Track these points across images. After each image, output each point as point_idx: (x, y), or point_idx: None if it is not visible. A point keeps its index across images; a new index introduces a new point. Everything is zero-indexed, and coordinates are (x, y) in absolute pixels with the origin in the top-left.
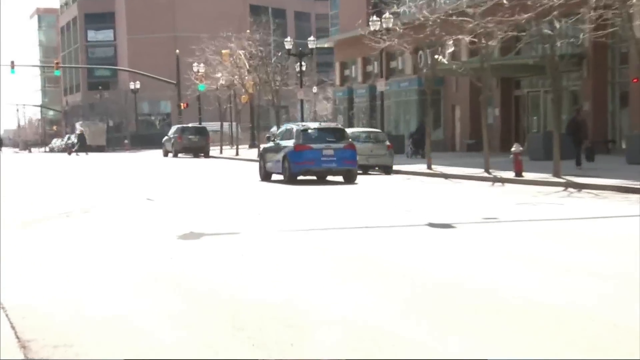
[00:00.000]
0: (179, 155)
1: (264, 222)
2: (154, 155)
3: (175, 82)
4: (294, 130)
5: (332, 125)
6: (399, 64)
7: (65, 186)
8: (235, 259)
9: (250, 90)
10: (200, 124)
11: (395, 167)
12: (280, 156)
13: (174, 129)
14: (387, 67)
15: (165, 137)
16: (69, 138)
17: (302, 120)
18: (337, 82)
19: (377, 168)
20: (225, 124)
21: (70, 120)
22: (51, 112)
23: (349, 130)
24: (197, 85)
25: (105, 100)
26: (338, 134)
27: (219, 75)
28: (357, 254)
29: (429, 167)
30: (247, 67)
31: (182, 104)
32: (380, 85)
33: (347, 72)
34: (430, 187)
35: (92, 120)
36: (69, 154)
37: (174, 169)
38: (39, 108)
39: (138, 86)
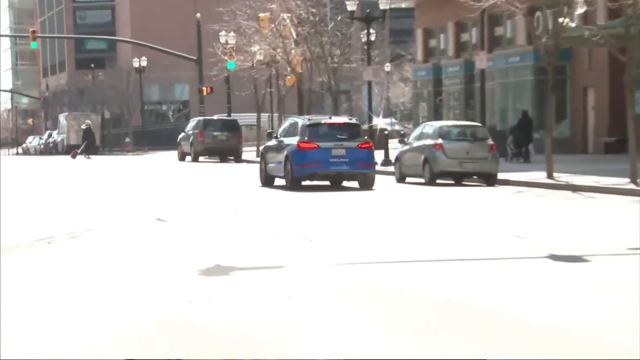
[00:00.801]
0: (201, 158)
1: (306, 251)
2: (167, 158)
3: (195, 58)
4: (299, 125)
5: (345, 119)
6: (507, 30)
7: (49, 200)
8: (280, 304)
9: (298, 68)
10: (229, 115)
11: (501, 176)
12: (282, 156)
13: (193, 122)
14: (491, 35)
15: (182, 135)
16: (50, 135)
17: (370, 110)
18: (419, 56)
19: (475, 177)
20: (264, 116)
21: (51, 111)
22: (25, 100)
23: (435, 124)
24: (225, 63)
25: (99, 84)
26: (352, 130)
27: (255, 48)
28: (451, 298)
29: (550, 176)
30: (294, 37)
31: (204, 89)
32: (481, 61)
33: (432, 42)
34: (550, 203)
35: (82, 112)
36: (73, 156)
37: (193, 178)
38: (9, 94)
39: (144, 64)
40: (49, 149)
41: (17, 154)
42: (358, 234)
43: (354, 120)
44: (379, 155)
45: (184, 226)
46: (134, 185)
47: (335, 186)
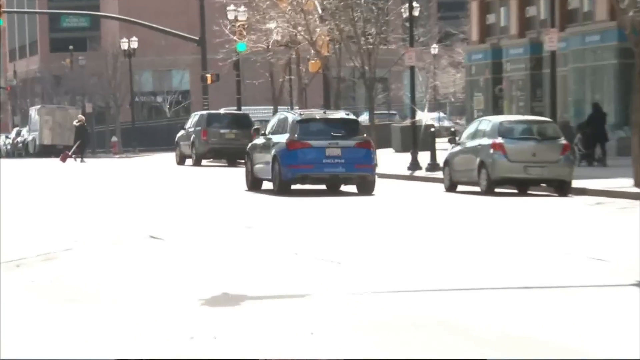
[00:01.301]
0: (204, 162)
1: (330, 275)
2: (162, 161)
3: (197, 38)
4: (289, 120)
5: (342, 114)
6: (583, 3)
7: (19, 214)
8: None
9: (323, 51)
10: (239, 109)
11: (575, 184)
12: (270, 157)
13: (195, 118)
14: (564, 9)
15: (181, 132)
16: (19, 133)
17: (413, 102)
18: (474, 36)
19: (543, 184)
20: (282, 108)
21: (20, 103)
22: None
23: (493, 120)
24: (234, 45)
25: (79, 70)
26: (349, 127)
27: (271, 26)
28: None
29: (638, 184)
30: (319, 12)
31: (208, 76)
32: (551, 41)
33: (491, 18)
34: (639, 218)
35: (58, 104)
36: (63, 159)
37: (194, 186)
38: None
39: (135, 46)
40: (18, 150)
41: None
42: (388, 254)
43: (351, 116)
44: (424, 158)
45: (180, 244)
46: (122, 195)
47: (332, 191)
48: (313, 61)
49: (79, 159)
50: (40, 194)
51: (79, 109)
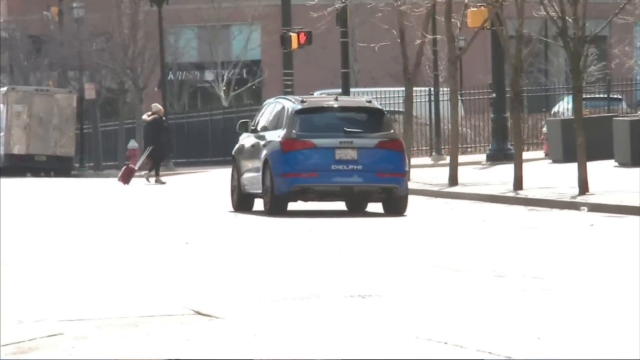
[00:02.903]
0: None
1: None
2: (210, 190)
3: None
4: (287, 110)
5: (361, 101)
6: None
7: None
8: None
9: None
10: (346, 92)
11: None
12: (260, 162)
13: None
14: None
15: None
16: None
17: None
18: None
19: None
20: (420, 92)
21: None
22: None
23: None
24: None
25: (73, 27)
26: (369, 120)
27: None
28: None
29: None
30: None
31: (293, 36)
32: None
33: None
34: None
35: (39, 87)
36: (126, 178)
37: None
38: None
39: None
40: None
41: None
42: None
43: (374, 104)
44: None
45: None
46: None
47: (354, 212)
48: (474, 9)
49: (152, 179)
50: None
51: (73, 94)
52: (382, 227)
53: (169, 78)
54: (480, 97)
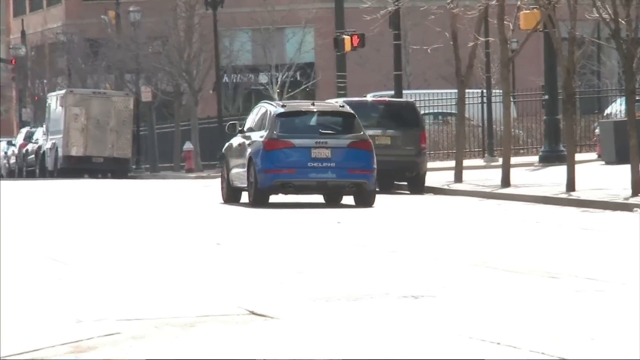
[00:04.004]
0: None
1: None
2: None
3: None
4: (269, 114)
5: (334, 106)
6: None
7: None
8: None
9: None
10: (398, 95)
11: None
12: (246, 159)
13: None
14: None
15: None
16: (29, 138)
17: None
18: None
19: None
20: (472, 94)
21: (33, 86)
22: None
23: None
24: None
25: (130, 30)
26: (342, 122)
27: None
28: None
29: None
30: None
31: (347, 38)
32: None
33: None
34: None
35: (96, 90)
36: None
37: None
38: None
39: None
40: (29, 166)
41: None
42: None
43: (347, 108)
44: None
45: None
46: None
47: (332, 203)
48: (527, 12)
49: None
50: None
51: (130, 96)
52: (435, 225)
53: (223, 81)
54: (533, 99)
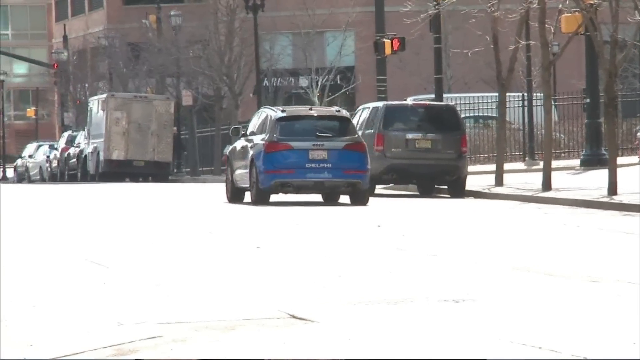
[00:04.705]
0: (380, 188)
1: None
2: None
3: None
4: (269, 118)
5: (330, 110)
6: None
7: None
8: None
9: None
10: (439, 98)
11: None
12: (248, 161)
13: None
14: None
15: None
16: (71, 142)
17: None
18: None
19: None
20: (513, 97)
21: (75, 90)
22: (22, 69)
23: None
24: None
25: (171, 35)
26: (338, 126)
27: None
28: None
29: None
30: None
31: (387, 42)
32: None
33: None
34: None
35: (137, 93)
36: None
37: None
38: None
39: None
40: (71, 170)
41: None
42: None
43: (343, 113)
44: None
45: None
46: None
47: (329, 202)
48: (568, 15)
49: None
50: None
51: (171, 100)
52: (476, 228)
53: (264, 84)
54: (574, 102)
